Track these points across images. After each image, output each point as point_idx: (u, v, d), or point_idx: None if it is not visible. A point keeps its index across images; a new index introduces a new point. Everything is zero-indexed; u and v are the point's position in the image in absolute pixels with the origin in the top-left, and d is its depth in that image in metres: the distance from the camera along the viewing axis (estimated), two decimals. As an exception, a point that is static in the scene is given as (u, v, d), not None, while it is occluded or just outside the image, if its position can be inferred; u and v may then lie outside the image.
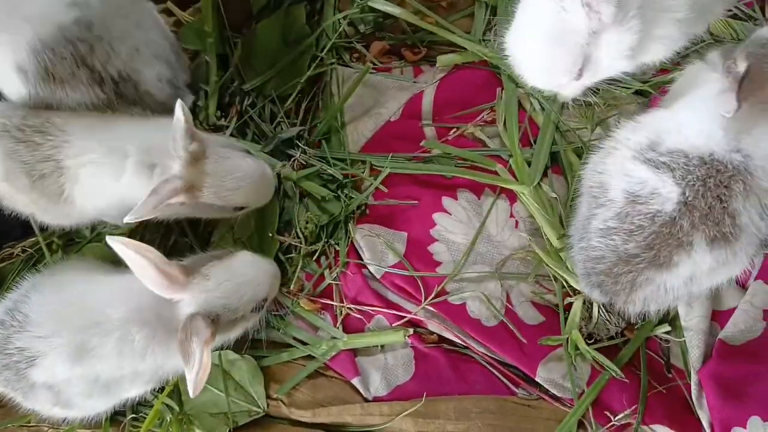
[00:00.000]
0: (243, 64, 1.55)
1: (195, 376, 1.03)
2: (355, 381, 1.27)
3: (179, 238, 1.43)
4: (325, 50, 1.55)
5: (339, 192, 1.40)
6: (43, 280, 1.20)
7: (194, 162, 1.14)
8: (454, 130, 1.46)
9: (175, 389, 1.26)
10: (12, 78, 1.21)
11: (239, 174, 1.20)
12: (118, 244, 1.04)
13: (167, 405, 1.25)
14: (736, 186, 1.05)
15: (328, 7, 1.59)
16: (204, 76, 1.52)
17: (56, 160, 1.18)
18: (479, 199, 1.39)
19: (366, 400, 1.26)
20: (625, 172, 1.12)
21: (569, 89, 1.27)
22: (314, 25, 1.58)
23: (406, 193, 1.40)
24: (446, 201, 1.38)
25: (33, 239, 1.43)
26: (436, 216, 1.37)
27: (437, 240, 1.36)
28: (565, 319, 1.28)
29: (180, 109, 1.10)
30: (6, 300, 1.18)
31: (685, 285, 1.11)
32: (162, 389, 1.25)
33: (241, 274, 1.14)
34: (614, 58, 1.17)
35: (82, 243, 1.43)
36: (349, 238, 1.37)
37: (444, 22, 1.54)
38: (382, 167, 1.40)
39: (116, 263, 1.36)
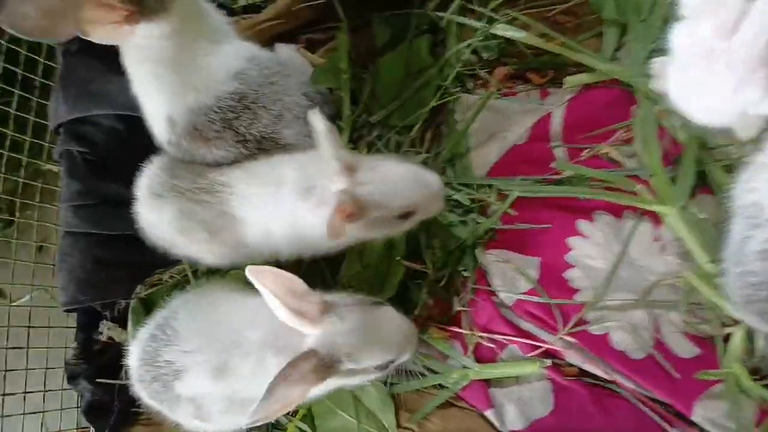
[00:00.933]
0: (370, 97, 1.58)
1: (263, 407, 0.96)
2: (488, 413, 1.20)
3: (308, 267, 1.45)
4: (449, 79, 1.54)
5: (465, 217, 1.37)
6: (191, 299, 1.26)
7: (349, 172, 1.13)
8: (587, 150, 1.39)
9: (308, 413, 1.25)
10: (161, 124, 1.31)
11: (397, 173, 1.16)
12: (253, 275, 1.04)
13: (300, 429, 1.24)
14: None
15: (450, 36, 1.59)
16: (337, 112, 1.56)
17: (229, 214, 1.25)
18: (619, 220, 1.30)
19: (502, 435, 1.19)
20: None
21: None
22: (438, 55, 1.58)
23: (537, 217, 1.34)
24: (582, 224, 1.31)
25: (180, 266, 1.50)
26: (571, 240, 1.30)
27: (573, 266, 1.28)
28: (725, 351, 1.15)
29: (318, 119, 1.13)
30: (157, 316, 1.23)
31: None
32: (296, 413, 1.24)
33: (376, 328, 1.10)
34: None
35: (224, 270, 1.48)
36: (477, 264, 1.33)
37: (572, 42, 1.49)
38: (510, 190, 1.35)
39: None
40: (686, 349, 1.18)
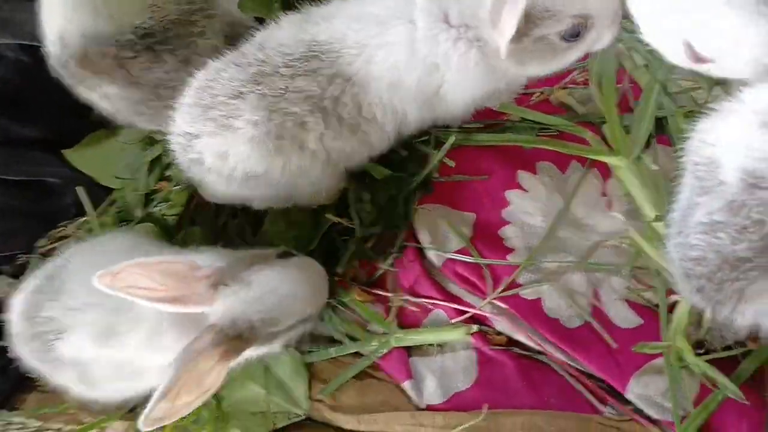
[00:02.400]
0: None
1: (158, 399, 0.84)
2: (406, 385, 1.10)
3: (229, 220, 1.33)
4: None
5: (399, 170, 1.23)
6: (87, 247, 1.14)
7: None
8: (538, 93, 1.24)
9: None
10: (53, 40, 1.19)
11: None
12: (106, 281, 0.91)
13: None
14: None
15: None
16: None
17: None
18: (564, 173, 1.18)
19: (419, 408, 1.09)
20: (745, 143, 0.82)
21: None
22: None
23: (477, 166, 1.20)
24: (523, 176, 1.18)
25: (85, 218, 1.38)
26: (510, 194, 1.17)
27: (510, 222, 1.16)
28: (669, 322, 1.04)
29: None
30: (48, 264, 1.12)
31: None
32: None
33: (287, 284, 0.99)
34: None
35: (133, 222, 1.37)
36: (408, 220, 1.20)
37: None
38: (446, 138, 1.21)
39: (167, 241, 1.32)
40: (627, 319, 1.07)
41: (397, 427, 1.07)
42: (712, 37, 0.88)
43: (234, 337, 0.92)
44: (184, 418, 1.12)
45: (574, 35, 0.97)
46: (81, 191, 1.36)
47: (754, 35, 0.83)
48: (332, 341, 1.18)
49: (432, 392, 1.09)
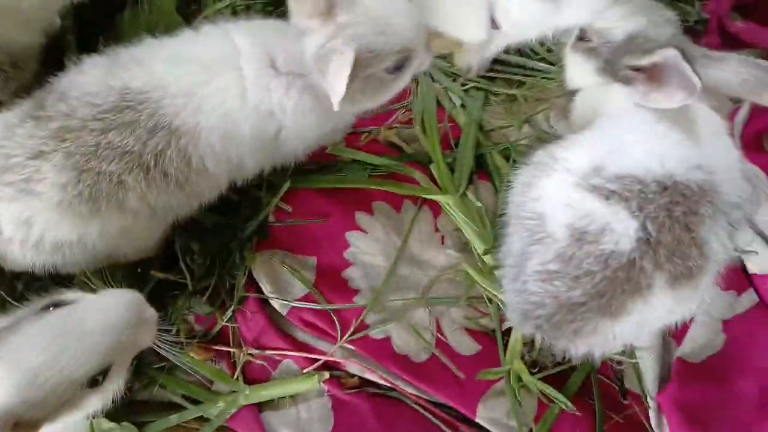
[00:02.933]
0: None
1: None
2: (261, 445, 1.05)
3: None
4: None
5: (231, 216, 1.18)
6: None
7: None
8: (366, 134, 1.27)
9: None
10: None
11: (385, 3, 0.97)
12: None
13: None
14: (704, 210, 0.88)
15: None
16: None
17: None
18: (399, 212, 1.21)
19: (279, 466, 1.04)
20: (566, 201, 0.91)
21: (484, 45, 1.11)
22: (191, 15, 1.34)
23: (314, 210, 1.19)
24: (361, 217, 1.19)
25: None
26: (350, 235, 1.18)
27: (352, 264, 1.16)
28: (505, 345, 1.11)
29: None
30: None
31: (637, 330, 0.95)
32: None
33: (55, 345, 0.80)
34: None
35: None
36: (246, 268, 1.15)
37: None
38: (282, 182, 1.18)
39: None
40: (468, 347, 1.13)
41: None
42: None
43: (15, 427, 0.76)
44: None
45: (398, 67, 1.01)
46: None
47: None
48: (172, 407, 1.08)
49: (289, 448, 1.05)
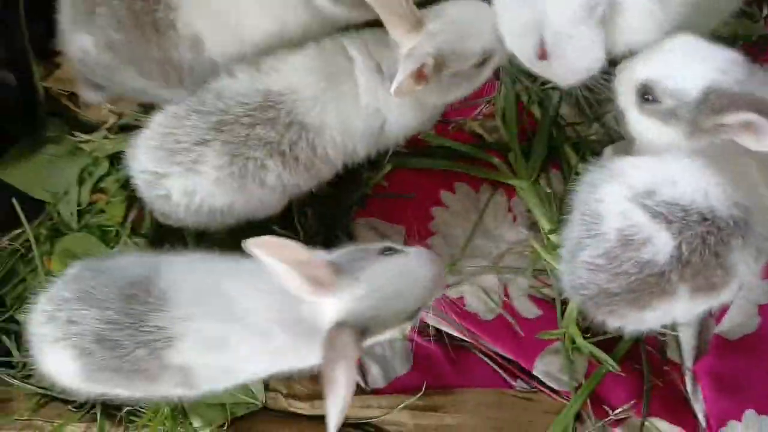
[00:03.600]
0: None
1: (340, 406, 0.87)
2: (353, 373, 1.26)
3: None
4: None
5: (339, 188, 1.38)
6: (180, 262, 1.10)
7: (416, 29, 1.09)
8: (453, 124, 1.44)
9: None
10: None
11: (468, 13, 1.14)
12: (257, 247, 0.90)
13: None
14: (735, 242, 0.97)
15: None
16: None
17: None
18: (477, 192, 1.39)
19: (364, 392, 1.25)
20: (621, 210, 1.01)
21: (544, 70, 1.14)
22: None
23: (406, 186, 1.39)
24: (445, 194, 1.38)
25: (20, 229, 1.37)
26: (435, 210, 1.36)
27: (435, 233, 1.35)
28: (563, 312, 1.28)
29: None
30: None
31: (658, 320, 1.08)
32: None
33: (396, 282, 0.96)
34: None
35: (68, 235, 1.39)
36: (347, 231, 1.36)
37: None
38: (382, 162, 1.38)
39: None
40: (530, 311, 1.30)
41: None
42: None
43: (359, 333, 0.91)
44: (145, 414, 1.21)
45: (481, 63, 1.18)
46: (15, 203, 1.36)
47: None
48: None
49: (376, 378, 1.26)
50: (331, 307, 0.94)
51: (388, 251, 1.00)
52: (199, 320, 0.99)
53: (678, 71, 0.99)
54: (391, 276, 0.96)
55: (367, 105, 1.18)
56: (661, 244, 0.97)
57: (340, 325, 0.91)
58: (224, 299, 1.01)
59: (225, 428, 1.24)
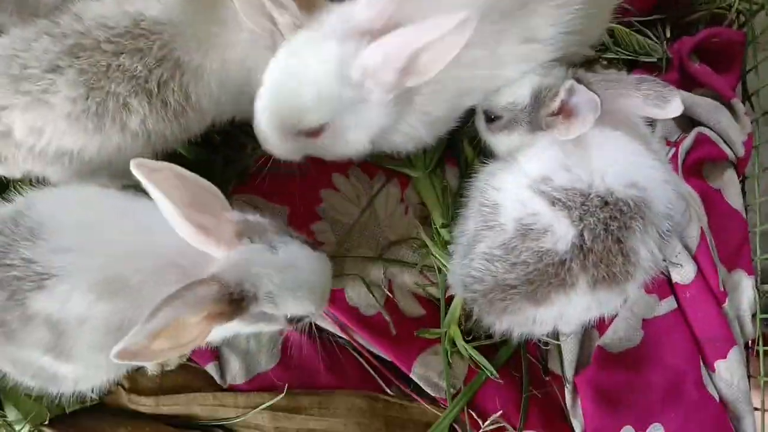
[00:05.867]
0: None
1: (137, 332, 0.69)
2: (209, 367, 1.04)
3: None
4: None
5: (215, 155, 1.17)
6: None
7: None
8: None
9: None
10: None
11: None
12: (143, 173, 0.77)
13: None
14: (636, 224, 0.91)
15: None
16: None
17: None
18: (371, 180, 1.21)
19: (220, 389, 1.03)
20: (519, 199, 0.94)
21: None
22: None
23: (294, 164, 1.19)
24: (336, 177, 1.19)
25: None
26: (324, 192, 1.18)
27: (322, 218, 1.16)
28: (446, 313, 1.12)
29: None
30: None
31: (555, 321, 0.98)
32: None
33: (309, 272, 0.86)
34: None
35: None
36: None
37: None
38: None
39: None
40: (414, 309, 1.14)
41: (196, 408, 1.01)
42: None
43: (233, 300, 0.78)
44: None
45: None
46: None
47: None
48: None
49: (235, 374, 1.04)
50: (227, 261, 0.80)
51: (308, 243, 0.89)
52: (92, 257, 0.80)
53: (507, 90, 1.02)
54: (305, 263, 0.85)
55: (244, 59, 0.99)
56: (562, 232, 0.90)
57: (216, 278, 0.77)
58: (113, 235, 0.83)
59: (45, 425, 0.97)
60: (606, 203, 0.90)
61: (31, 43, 0.90)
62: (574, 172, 0.93)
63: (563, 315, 0.96)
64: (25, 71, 0.89)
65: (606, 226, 0.90)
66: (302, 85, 0.88)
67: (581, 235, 0.90)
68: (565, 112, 0.95)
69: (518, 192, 0.93)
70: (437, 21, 0.81)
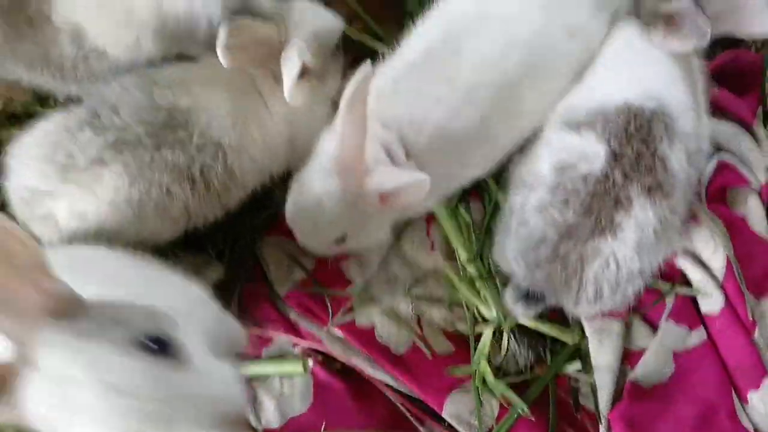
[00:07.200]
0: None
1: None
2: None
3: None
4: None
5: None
6: None
7: None
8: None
9: None
10: None
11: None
12: None
13: None
14: (658, 127, 0.93)
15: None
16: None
17: None
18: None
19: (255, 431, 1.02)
20: (548, 143, 0.99)
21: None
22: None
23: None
24: (363, 217, 1.17)
25: None
26: (350, 231, 1.16)
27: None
28: (476, 349, 1.09)
29: None
30: None
31: (637, 255, 0.94)
32: None
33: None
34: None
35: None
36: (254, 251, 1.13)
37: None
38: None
39: None
40: (443, 347, 1.11)
41: (234, 453, 0.98)
42: None
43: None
44: None
45: None
46: None
47: None
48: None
49: (270, 417, 1.02)
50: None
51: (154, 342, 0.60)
52: None
53: None
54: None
55: (276, 113, 0.98)
56: (593, 152, 0.94)
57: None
58: None
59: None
60: (621, 111, 0.93)
61: (75, 134, 0.89)
62: (597, 94, 0.97)
63: (640, 244, 0.94)
64: (71, 160, 0.88)
65: (626, 129, 0.93)
66: (314, 213, 0.93)
67: (609, 143, 0.93)
68: (668, 21, 0.95)
69: (546, 142, 0.99)
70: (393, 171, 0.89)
